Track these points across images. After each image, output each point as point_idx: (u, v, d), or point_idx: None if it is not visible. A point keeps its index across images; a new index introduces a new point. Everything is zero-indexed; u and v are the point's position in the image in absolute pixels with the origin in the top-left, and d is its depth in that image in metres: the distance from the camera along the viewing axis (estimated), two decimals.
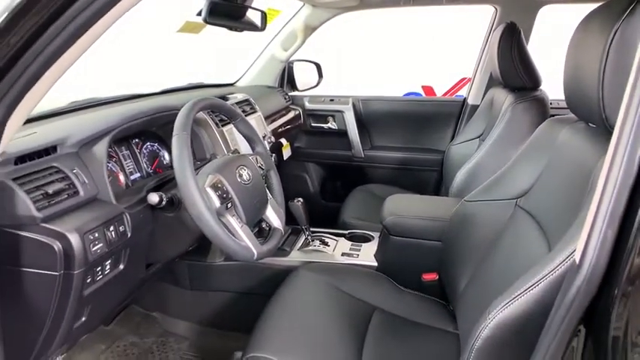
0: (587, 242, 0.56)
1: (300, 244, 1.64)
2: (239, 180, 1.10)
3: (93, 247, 0.89)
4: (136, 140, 1.27)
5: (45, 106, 1.09)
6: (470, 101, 2.21)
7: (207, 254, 1.57)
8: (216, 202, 1.01)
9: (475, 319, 0.78)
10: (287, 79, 2.39)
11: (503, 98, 1.71)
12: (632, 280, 0.52)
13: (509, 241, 1.08)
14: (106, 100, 1.41)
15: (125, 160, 1.21)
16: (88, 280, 0.92)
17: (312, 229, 1.69)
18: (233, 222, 1.04)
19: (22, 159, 0.87)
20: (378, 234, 1.65)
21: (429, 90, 4.11)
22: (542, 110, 1.58)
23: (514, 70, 1.62)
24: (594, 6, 0.84)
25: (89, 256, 0.88)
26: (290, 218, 1.49)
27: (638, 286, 0.52)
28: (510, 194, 1.13)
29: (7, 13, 0.68)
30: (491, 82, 2.08)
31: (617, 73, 0.70)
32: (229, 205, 1.04)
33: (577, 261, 0.57)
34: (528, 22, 1.88)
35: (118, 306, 1.28)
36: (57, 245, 0.84)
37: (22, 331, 0.91)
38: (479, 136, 1.93)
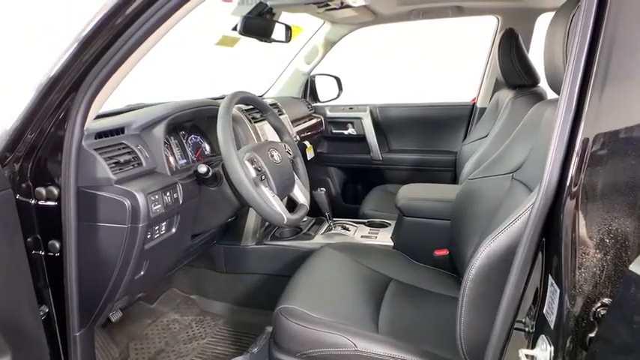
0: (545, 167, 0.72)
1: (324, 230, 1.81)
2: (271, 159, 1.30)
3: (154, 206, 1.09)
4: (183, 132, 1.49)
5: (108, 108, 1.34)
6: (479, 104, 2.38)
7: (241, 239, 1.76)
8: (253, 173, 1.20)
9: None
10: (310, 91, 2.62)
11: (506, 96, 1.87)
12: (576, 194, 0.68)
13: (506, 210, 1.22)
14: (152, 104, 1.65)
15: (175, 147, 1.43)
16: (148, 236, 1.12)
17: (334, 218, 1.87)
18: (266, 191, 1.23)
19: (100, 135, 1.10)
20: (394, 222, 1.80)
21: None
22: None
23: (513, 69, 1.78)
24: None
25: (150, 213, 1.08)
26: (313, 210, 1.67)
27: (580, 200, 0.68)
28: (507, 169, 1.26)
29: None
30: (497, 87, 2.25)
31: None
32: (263, 177, 1.24)
33: (541, 193, 0.73)
34: (528, 29, 2.06)
35: (168, 271, 1.47)
36: (127, 202, 1.04)
37: (95, 279, 1.11)
38: (487, 136, 2.08)
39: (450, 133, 2.47)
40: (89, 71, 0.97)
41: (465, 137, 2.40)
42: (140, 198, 1.05)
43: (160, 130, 1.24)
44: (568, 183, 0.68)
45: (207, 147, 1.58)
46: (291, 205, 1.44)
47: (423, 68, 4.13)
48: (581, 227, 0.68)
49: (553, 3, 1.94)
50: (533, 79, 1.78)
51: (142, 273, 1.19)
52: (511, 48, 1.78)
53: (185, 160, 1.46)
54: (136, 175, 1.11)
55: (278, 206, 1.24)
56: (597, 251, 0.67)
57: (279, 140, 1.50)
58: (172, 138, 1.43)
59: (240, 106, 1.68)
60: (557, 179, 0.70)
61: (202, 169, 1.23)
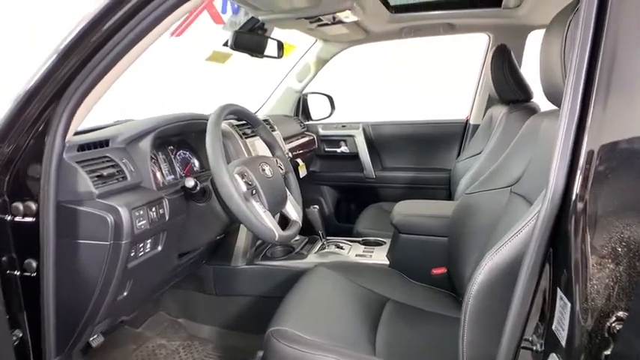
0: (549, 177, 0.69)
1: (317, 249, 1.76)
2: (262, 173, 1.25)
3: (138, 222, 1.04)
4: (171, 147, 1.45)
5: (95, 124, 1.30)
6: (472, 121, 2.37)
7: (231, 259, 1.69)
8: (243, 187, 1.16)
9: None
10: (302, 109, 2.60)
11: (499, 112, 1.87)
12: (584, 204, 0.66)
13: (506, 224, 1.19)
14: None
15: (162, 163, 1.38)
16: (132, 254, 1.06)
17: (327, 237, 1.81)
18: (257, 206, 1.19)
19: (82, 147, 1.05)
20: (389, 240, 1.76)
21: None
22: None
23: (506, 84, 1.78)
24: None
25: (134, 230, 1.02)
26: (306, 228, 1.62)
27: (588, 209, 0.65)
28: (504, 183, 1.24)
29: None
30: (490, 103, 2.25)
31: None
32: (254, 191, 1.19)
33: (544, 194, 0.70)
34: (519, 45, 2.08)
35: (153, 292, 1.40)
36: (110, 217, 0.99)
37: (73, 300, 1.04)
38: (481, 152, 2.07)
39: (444, 150, 2.46)
40: (72, 81, 0.94)
41: (459, 154, 2.39)
42: (123, 213, 1.00)
43: (146, 144, 1.20)
44: (575, 192, 0.66)
45: (197, 163, 1.53)
46: (284, 222, 1.39)
47: (415, 85, 4.17)
48: (591, 236, 0.65)
49: (544, 20, 1.96)
50: (527, 94, 1.78)
51: (125, 294, 1.12)
52: (504, 63, 1.78)
53: (173, 176, 1.41)
54: (119, 189, 1.06)
55: (269, 222, 1.19)
56: (609, 261, 0.64)
57: (270, 155, 1.46)
58: (160, 153, 1.39)
59: (230, 121, 1.65)
60: (562, 188, 0.68)
61: (190, 183, 1.18)
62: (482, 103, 2.30)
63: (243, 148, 1.59)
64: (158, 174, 1.33)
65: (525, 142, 1.24)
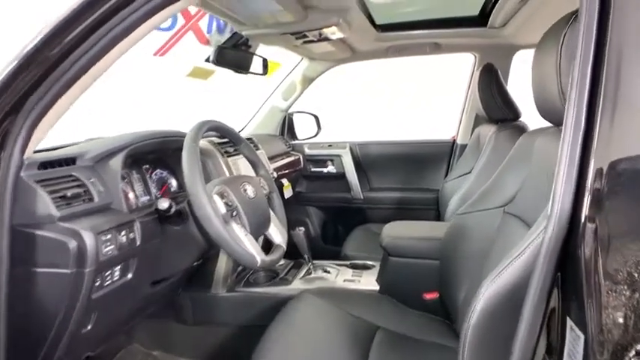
0: (554, 197, 0.64)
1: (303, 274, 1.66)
2: (244, 193, 1.17)
3: (105, 247, 0.94)
4: (147, 166, 1.36)
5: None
6: (459, 141, 2.35)
7: (211, 286, 1.59)
8: (222, 208, 1.07)
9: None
10: (287, 128, 2.55)
11: (488, 131, 1.84)
12: (594, 225, 0.60)
13: (501, 246, 1.13)
14: None
15: (136, 182, 1.29)
16: (97, 284, 0.96)
17: (314, 261, 1.72)
18: (237, 230, 1.10)
19: (44, 165, 0.96)
20: (378, 263, 1.68)
21: None
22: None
23: (494, 103, 1.76)
24: None
25: (100, 256, 0.93)
26: (291, 251, 1.53)
27: (599, 230, 0.60)
28: (497, 203, 1.19)
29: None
30: (477, 122, 2.23)
31: (568, 73, 0.81)
32: (234, 213, 1.11)
33: (548, 212, 0.65)
34: (505, 65, 2.07)
35: (123, 325, 1.29)
36: (71, 243, 0.89)
37: (29, 334, 0.93)
38: (469, 172, 2.03)
39: (432, 170, 2.42)
40: (33, 92, 0.86)
41: (447, 174, 2.35)
42: (88, 238, 0.90)
43: (117, 162, 1.11)
44: (584, 213, 0.61)
45: (174, 183, 1.44)
46: (267, 246, 1.30)
47: (402, 104, 4.17)
48: (604, 260, 0.59)
49: (530, 40, 1.96)
50: (515, 113, 1.76)
51: (89, 327, 1.01)
52: (491, 82, 1.76)
53: (147, 197, 1.31)
54: (85, 211, 0.97)
55: (251, 246, 1.10)
56: (625, 287, 0.57)
57: (254, 175, 1.38)
58: (134, 172, 1.30)
59: (211, 139, 1.57)
60: (569, 209, 0.63)
61: (164, 204, 1.09)
62: (470, 123, 2.28)
63: (225, 167, 1.51)
64: (131, 195, 1.24)
65: (518, 160, 1.20)
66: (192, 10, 4.35)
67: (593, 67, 0.62)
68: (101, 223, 0.96)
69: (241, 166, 1.56)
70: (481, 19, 1.83)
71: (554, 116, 1.00)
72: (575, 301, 0.62)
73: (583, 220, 0.61)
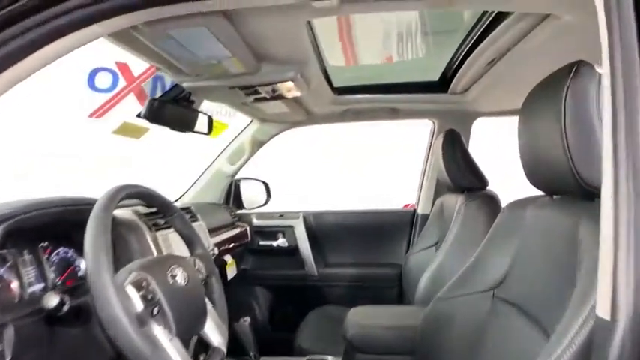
0: (615, 294, 0.50)
1: None
2: (171, 281, 0.88)
3: None
4: (45, 244, 1.03)
5: None
6: (420, 211, 2.21)
7: None
8: (138, 305, 0.77)
9: None
10: (233, 197, 2.29)
11: (454, 202, 1.71)
12: None
13: (495, 340, 0.94)
14: None
15: (25, 266, 0.96)
16: None
17: (261, 357, 1.40)
18: (159, 333, 0.80)
19: None
20: (340, 358, 1.40)
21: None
22: (494, 206, 1.58)
23: (460, 171, 1.65)
24: None
25: None
26: (233, 345, 1.22)
27: None
28: (484, 285, 1.04)
29: None
30: (438, 190, 2.11)
31: (578, 130, 0.72)
32: (156, 310, 0.81)
33: (608, 317, 0.51)
34: (466, 132, 2.01)
35: None
36: None
37: None
38: (435, 244, 1.88)
39: (392, 243, 2.24)
40: None
41: (409, 247, 2.17)
42: None
43: None
44: None
45: (83, 264, 1.12)
46: (201, 349, 0.99)
47: (355, 168, 4.07)
48: None
49: (492, 107, 1.93)
50: (483, 182, 1.65)
51: None
52: (455, 150, 1.66)
53: (42, 285, 0.98)
54: None
55: (177, 355, 0.80)
56: None
57: (188, 254, 1.10)
58: (25, 252, 0.97)
59: (137, 208, 1.28)
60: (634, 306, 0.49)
61: (52, 301, 0.78)
62: (430, 191, 2.16)
63: (152, 244, 1.22)
64: (14, 284, 0.91)
65: (504, 235, 1.05)
66: (137, 71, 4.16)
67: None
68: None
69: (173, 242, 1.27)
70: (441, 85, 1.77)
71: (552, 184, 0.86)
72: None
73: None
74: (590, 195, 0.77)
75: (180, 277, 0.92)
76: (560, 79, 0.76)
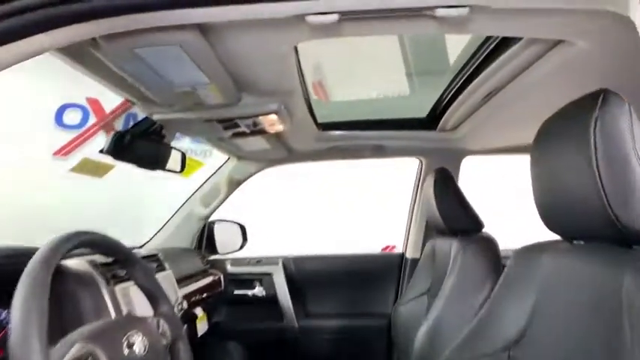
0: None
1: None
2: (126, 352, 0.71)
3: None
4: None
5: None
6: (408, 255, 2.07)
7: None
8: None
9: None
10: (206, 241, 2.11)
11: (448, 246, 1.59)
12: None
13: None
14: None
15: None
16: None
17: None
18: None
19: None
20: None
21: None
22: (493, 251, 1.46)
23: (454, 213, 1.54)
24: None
25: None
26: None
27: None
28: (497, 344, 0.90)
29: None
30: (428, 234, 2.00)
31: (613, 167, 0.63)
32: None
33: None
34: (454, 171, 1.92)
35: None
36: None
37: None
38: (426, 292, 1.73)
39: (380, 289, 2.09)
40: None
41: (398, 296, 2.02)
42: None
43: None
44: None
45: None
46: None
47: (340, 209, 3.93)
48: None
49: (482, 145, 1.86)
50: (478, 224, 1.54)
51: None
52: (448, 190, 1.56)
53: None
54: None
55: None
56: None
57: (150, 314, 0.92)
58: None
59: (93, 258, 1.09)
60: None
61: None
62: (420, 234, 2.04)
63: (109, 302, 1.02)
64: None
65: (518, 286, 0.93)
66: (108, 107, 3.99)
67: None
68: None
69: (135, 297, 1.08)
70: (430, 122, 1.70)
71: (578, 228, 0.76)
72: None
73: None
74: (626, 241, 0.67)
75: (138, 345, 0.74)
76: (585, 110, 0.67)
